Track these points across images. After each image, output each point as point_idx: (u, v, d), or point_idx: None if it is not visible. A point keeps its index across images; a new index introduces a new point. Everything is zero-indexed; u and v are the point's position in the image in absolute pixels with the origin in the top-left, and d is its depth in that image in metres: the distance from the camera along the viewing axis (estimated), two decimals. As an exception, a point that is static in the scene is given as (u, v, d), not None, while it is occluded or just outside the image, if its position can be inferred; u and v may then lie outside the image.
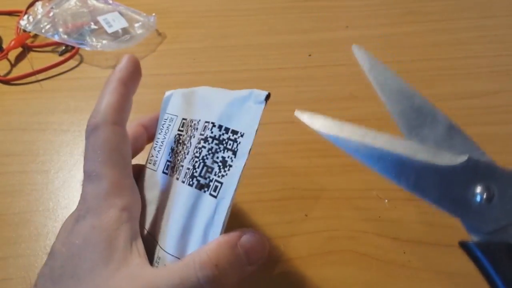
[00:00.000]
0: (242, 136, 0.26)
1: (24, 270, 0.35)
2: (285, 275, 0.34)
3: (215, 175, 0.26)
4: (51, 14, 0.54)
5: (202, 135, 0.28)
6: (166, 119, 0.33)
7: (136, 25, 0.54)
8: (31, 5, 0.58)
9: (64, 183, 0.41)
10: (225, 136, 0.27)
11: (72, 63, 0.52)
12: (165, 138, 0.32)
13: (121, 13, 0.55)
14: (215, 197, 0.26)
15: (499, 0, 0.55)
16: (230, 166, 0.26)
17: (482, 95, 0.45)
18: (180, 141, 0.30)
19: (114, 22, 0.54)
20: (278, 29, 0.54)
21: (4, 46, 0.52)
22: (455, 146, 0.26)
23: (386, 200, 0.38)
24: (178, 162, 0.30)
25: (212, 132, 0.27)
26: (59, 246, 0.25)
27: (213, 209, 0.25)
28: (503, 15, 0.54)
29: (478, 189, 0.22)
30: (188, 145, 0.29)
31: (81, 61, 0.52)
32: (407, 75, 0.47)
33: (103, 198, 0.25)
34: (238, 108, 0.27)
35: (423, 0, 0.56)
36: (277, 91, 0.47)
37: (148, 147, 0.34)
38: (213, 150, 0.27)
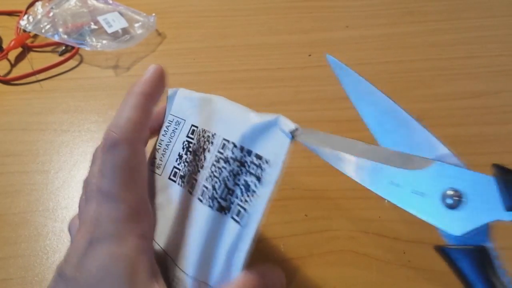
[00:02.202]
0: (267, 163, 0.25)
1: (24, 270, 0.35)
2: (285, 275, 0.34)
3: (237, 198, 0.26)
4: (51, 14, 0.54)
5: (221, 153, 0.27)
6: (172, 121, 0.32)
7: (136, 25, 0.54)
8: (31, 5, 0.58)
9: (64, 183, 0.41)
10: (248, 159, 0.26)
11: (72, 63, 0.52)
12: (170, 142, 0.31)
13: (121, 13, 0.55)
14: (239, 222, 0.25)
15: (498, 0, 0.55)
16: (254, 192, 0.25)
17: (482, 95, 0.45)
18: (190, 149, 0.30)
19: (114, 22, 0.54)
20: (278, 29, 0.54)
21: (4, 46, 0.52)
22: (425, 149, 0.26)
23: (386, 200, 0.38)
24: (189, 173, 0.29)
25: (233, 153, 0.27)
26: (72, 271, 0.23)
27: (237, 235, 0.25)
28: (503, 15, 0.54)
29: (448, 193, 0.22)
30: (202, 158, 0.28)
31: (81, 61, 0.52)
32: (407, 75, 0.47)
33: (122, 224, 0.23)
34: (262, 131, 0.26)
35: (423, 0, 0.56)
36: (277, 91, 0.47)
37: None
38: (235, 172, 0.26)
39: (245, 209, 0.25)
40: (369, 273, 0.34)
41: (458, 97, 0.45)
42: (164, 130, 0.32)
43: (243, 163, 0.26)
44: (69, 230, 0.28)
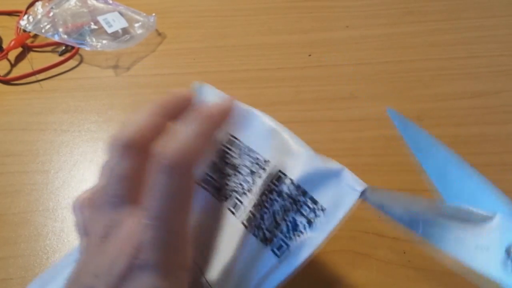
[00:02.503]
0: (322, 210, 0.25)
1: (24, 270, 0.35)
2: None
3: (281, 232, 0.26)
4: (51, 14, 0.54)
5: (276, 186, 0.27)
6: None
7: (136, 25, 0.54)
8: (31, 5, 0.58)
9: (64, 183, 0.41)
10: (301, 199, 0.26)
11: (72, 63, 0.52)
12: None
13: (121, 13, 0.55)
14: (278, 256, 0.25)
15: (499, 0, 0.55)
16: (302, 232, 0.25)
17: (482, 95, 0.45)
18: (228, 160, 0.29)
19: (114, 22, 0.54)
20: (278, 29, 0.54)
21: (4, 46, 0.52)
22: (488, 201, 0.26)
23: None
24: (226, 185, 0.28)
25: (288, 189, 0.26)
26: None
27: (272, 267, 0.25)
28: (503, 15, 0.54)
29: None
30: (249, 180, 0.28)
31: (81, 61, 0.52)
32: (407, 75, 0.47)
33: (167, 254, 0.21)
34: (323, 177, 0.26)
35: (423, 0, 0.56)
36: (277, 91, 0.47)
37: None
38: (286, 208, 0.26)
39: (287, 245, 0.25)
40: (369, 273, 0.34)
41: (458, 97, 0.45)
42: None
43: (296, 201, 0.26)
44: (75, 210, 0.25)
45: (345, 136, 0.43)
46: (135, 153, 0.23)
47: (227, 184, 0.28)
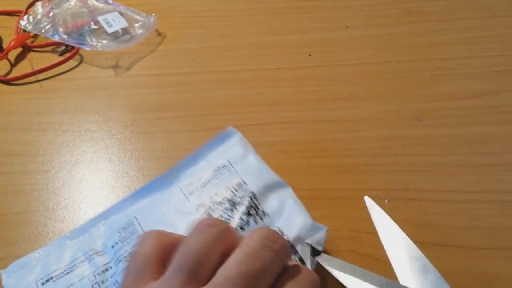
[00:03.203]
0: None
1: (24, 270, 0.35)
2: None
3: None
4: (51, 14, 0.54)
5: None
6: (224, 167, 0.36)
7: (136, 25, 0.54)
8: (31, 5, 0.58)
9: (64, 183, 0.41)
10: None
11: (72, 63, 0.52)
12: (212, 179, 0.36)
13: (121, 13, 0.55)
14: None
15: (498, 0, 0.55)
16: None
17: (481, 95, 0.45)
18: (230, 198, 0.34)
19: (114, 22, 0.54)
20: (278, 29, 0.54)
21: (4, 46, 0.52)
22: None
23: (386, 200, 0.38)
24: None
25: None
26: None
27: None
28: (503, 15, 0.54)
29: None
30: (247, 220, 0.32)
31: (81, 61, 0.52)
32: (407, 75, 0.48)
33: None
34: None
35: (423, 0, 0.56)
36: (277, 91, 0.47)
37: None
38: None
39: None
40: (369, 273, 0.34)
41: (458, 97, 0.45)
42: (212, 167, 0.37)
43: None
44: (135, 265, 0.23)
45: (345, 136, 0.43)
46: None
47: None
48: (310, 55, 0.51)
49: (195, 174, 0.37)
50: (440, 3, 0.56)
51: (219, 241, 0.22)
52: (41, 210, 0.39)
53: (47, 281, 0.32)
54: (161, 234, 0.24)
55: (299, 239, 0.32)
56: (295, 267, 0.23)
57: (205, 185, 0.35)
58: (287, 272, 0.23)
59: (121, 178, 0.41)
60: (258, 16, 0.56)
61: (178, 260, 0.22)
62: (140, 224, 0.34)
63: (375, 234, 0.36)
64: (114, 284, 0.32)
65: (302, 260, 0.31)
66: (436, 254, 0.34)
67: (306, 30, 0.54)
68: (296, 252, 0.31)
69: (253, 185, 0.34)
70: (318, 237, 0.32)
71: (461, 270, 0.34)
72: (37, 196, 0.40)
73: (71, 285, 0.32)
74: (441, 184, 0.39)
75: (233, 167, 0.36)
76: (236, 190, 0.34)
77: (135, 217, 0.35)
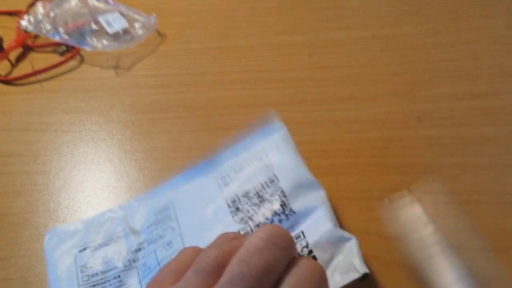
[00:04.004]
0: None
1: (25, 271, 0.35)
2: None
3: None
4: (51, 14, 0.54)
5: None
6: (262, 161, 0.36)
7: (137, 25, 0.54)
8: (32, 5, 0.58)
9: (65, 184, 0.41)
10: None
11: (72, 63, 0.52)
12: (244, 167, 0.36)
13: (121, 13, 0.55)
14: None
15: (499, 1, 0.55)
16: None
17: (483, 96, 0.45)
18: (261, 195, 0.34)
19: (114, 22, 0.54)
20: (279, 30, 0.54)
21: (5, 46, 0.52)
22: None
23: (387, 201, 0.38)
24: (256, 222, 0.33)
25: (302, 251, 0.31)
26: None
27: None
28: (504, 16, 0.54)
29: None
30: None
31: (81, 62, 0.52)
32: (408, 77, 0.48)
33: None
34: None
35: (424, 1, 0.56)
36: (277, 92, 0.47)
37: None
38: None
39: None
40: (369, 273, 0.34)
41: (458, 98, 0.45)
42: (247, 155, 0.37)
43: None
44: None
45: (346, 137, 0.43)
46: None
47: None
48: (310, 56, 0.51)
49: (234, 166, 0.37)
50: (441, 4, 0.56)
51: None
52: (41, 211, 0.39)
53: (84, 249, 0.34)
54: (194, 252, 0.25)
55: (318, 244, 0.31)
56: (301, 259, 0.23)
57: (240, 178, 0.35)
58: (292, 265, 0.23)
59: (122, 178, 0.41)
60: (259, 17, 0.56)
61: (195, 263, 0.23)
62: (174, 210, 0.35)
63: (375, 234, 0.36)
64: (144, 265, 0.33)
65: None
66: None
67: (307, 31, 0.54)
68: (314, 257, 0.30)
69: (285, 183, 0.34)
70: (352, 254, 0.30)
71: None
72: (37, 197, 0.40)
73: (105, 257, 0.33)
74: (441, 185, 0.39)
75: (270, 162, 0.35)
76: (268, 186, 0.34)
77: (171, 202, 0.36)
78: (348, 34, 0.53)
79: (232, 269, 0.21)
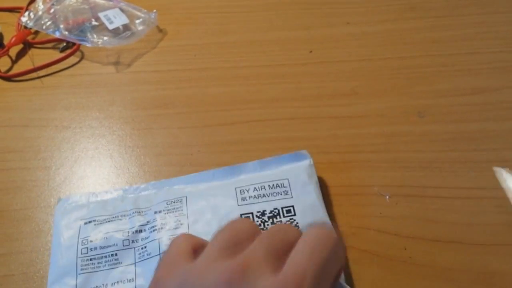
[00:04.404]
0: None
1: (26, 267, 0.35)
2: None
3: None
4: (52, 10, 0.54)
5: None
6: (283, 187, 0.36)
7: (137, 21, 0.54)
8: (32, 1, 0.58)
9: (65, 180, 0.41)
10: None
11: (73, 59, 0.52)
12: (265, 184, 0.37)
13: (122, 10, 0.55)
14: None
15: (500, -4, 0.55)
16: None
17: (483, 91, 0.45)
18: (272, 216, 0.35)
19: (115, 18, 0.53)
20: (279, 26, 0.54)
21: (5, 42, 0.52)
22: None
23: (387, 197, 0.38)
24: None
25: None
26: None
27: None
28: (505, 11, 0.53)
29: None
30: None
31: (82, 58, 0.52)
32: (408, 71, 0.47)
33: None
34: None
35: (425, -4, 0.56)
36: (278, 88, 0.47)
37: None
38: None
39: None
40: (370, 269, 0.34)
41: (459, 93, 0.45)
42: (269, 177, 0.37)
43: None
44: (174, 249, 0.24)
45: (346, 132, 0.43)
46: None
47: None
48: (311, 52, 0.51)
49: (254, 182, 0.36)
50: (442, -1, 0.56)
51: (251, 230, 0.23)
52: (42, 207, 0.39)
53: (89, 222, 0.35)
54: (191, 237, 0.25)
55: None
56: (311, 228, 0.23)
57: (258, 197, 0.35)
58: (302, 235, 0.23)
59: (122, 174, 0.41)
60: (259, 12, 0.56)
61: (213, 240, 0.23)
62: (187, 205, 0.35)
63: (376, 230, 0.36)
64: (142, 248, 0.33)
65: None
66: (437, 250, 0.34)
67: (307, 26, 0.54)
68: None
69: (301, 218, 0.34)
70: None
71: (462, 266, 0.34)
72: (38, 193, 0.40)
73: (107, 233, 0.34)
74: (442, 181, 0.39)
75: (290, 191, 0.35)
76: (283, 214, 0.34)
77: (186, 196, 0.36)
78: (348, 29, 0.53)
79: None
